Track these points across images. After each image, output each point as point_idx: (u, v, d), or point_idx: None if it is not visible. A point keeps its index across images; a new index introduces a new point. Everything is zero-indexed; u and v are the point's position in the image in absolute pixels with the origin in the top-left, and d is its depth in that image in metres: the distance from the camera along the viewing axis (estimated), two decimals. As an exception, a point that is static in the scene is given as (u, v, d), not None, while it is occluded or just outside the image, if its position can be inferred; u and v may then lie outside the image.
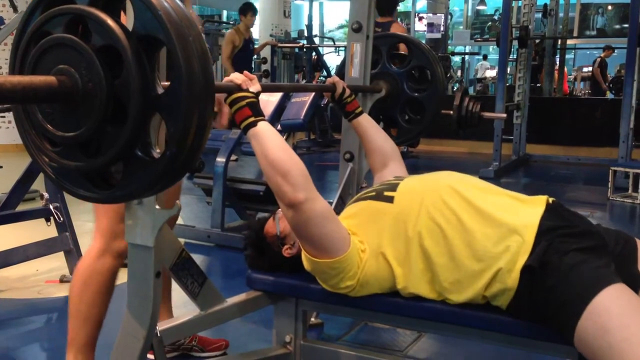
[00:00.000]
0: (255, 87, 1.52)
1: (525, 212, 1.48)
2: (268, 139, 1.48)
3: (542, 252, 1.38)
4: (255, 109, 1.50)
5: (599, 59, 11.10)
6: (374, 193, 1.65)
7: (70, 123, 1.09)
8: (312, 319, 2.39)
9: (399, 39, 2.70)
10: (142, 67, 1.05)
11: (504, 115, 5.70)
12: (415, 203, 1.54)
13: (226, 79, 1.50)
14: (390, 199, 1.58)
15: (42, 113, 1.12)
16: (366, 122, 1.99)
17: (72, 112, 1.08)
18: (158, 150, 1.14)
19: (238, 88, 1.49)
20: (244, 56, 7.27)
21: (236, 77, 1.50)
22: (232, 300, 1.72)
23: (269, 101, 4.04)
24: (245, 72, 1.54)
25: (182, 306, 2.47)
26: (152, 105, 1.07)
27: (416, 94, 2.44)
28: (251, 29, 7.39)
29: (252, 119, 1.49)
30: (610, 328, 1.26)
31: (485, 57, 14.79)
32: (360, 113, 2.00)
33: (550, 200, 1.52)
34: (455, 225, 1.47)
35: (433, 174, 1.65)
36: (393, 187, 1.61)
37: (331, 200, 2.33)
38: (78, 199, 1.19)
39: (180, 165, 1.10)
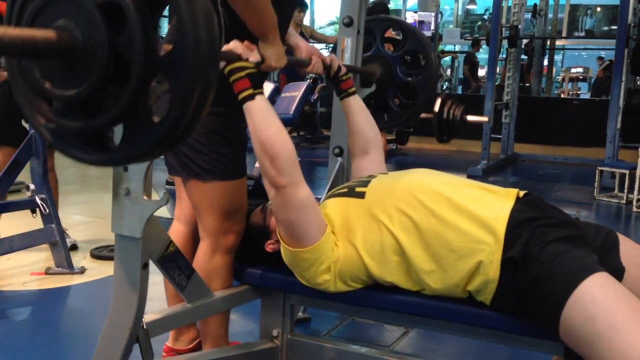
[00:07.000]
0: (254, 56, 1.49)
1: (496, 204, 1.48)
2: (263, 118, 1.47)
3: (523, 243, 1.38)
4: (255, 81, 1.48)
5: (607, 62, 10.28)
6: (345, 189, 1.66)
7: (70, 81, 1.03)
8: (300, 314, 2.39)
9: (394, 22, 2.69)
10: (146, 24, 0.99)
11: (486, 118, 5.74)
12: (386, 197, 1.54)
13: (225, 47, 1.46)
14: (361, 195, 1.59)
15: (40, 70, 1.06)
16: (356, 103, 1.99)
17: (71, 70, 1.02)
18: (157, 118, 1.09)
19: (238, 57, 1.46)
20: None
21: (236, 46, 1.47)
22: (219, 293, 1.71)
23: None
24: (247, 41, 1.50)
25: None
26: (155, 65, 1.01)
27: (409, 79, 2.44)
28: (307, 26, 7.25)
29: (250, 91, 1.47)
30: (596, 316, 1.26)
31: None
32: (353, 93, 1.99)
33: (521, 193, 1.52)
34: (427, 216, 1.47)
35: (405, 171, 1.66)
36: (365, 184, 1.62)
37: (319, 197, 2.33)
38: (75, 161, 1.12)
39: (182, 130, 1.04)
